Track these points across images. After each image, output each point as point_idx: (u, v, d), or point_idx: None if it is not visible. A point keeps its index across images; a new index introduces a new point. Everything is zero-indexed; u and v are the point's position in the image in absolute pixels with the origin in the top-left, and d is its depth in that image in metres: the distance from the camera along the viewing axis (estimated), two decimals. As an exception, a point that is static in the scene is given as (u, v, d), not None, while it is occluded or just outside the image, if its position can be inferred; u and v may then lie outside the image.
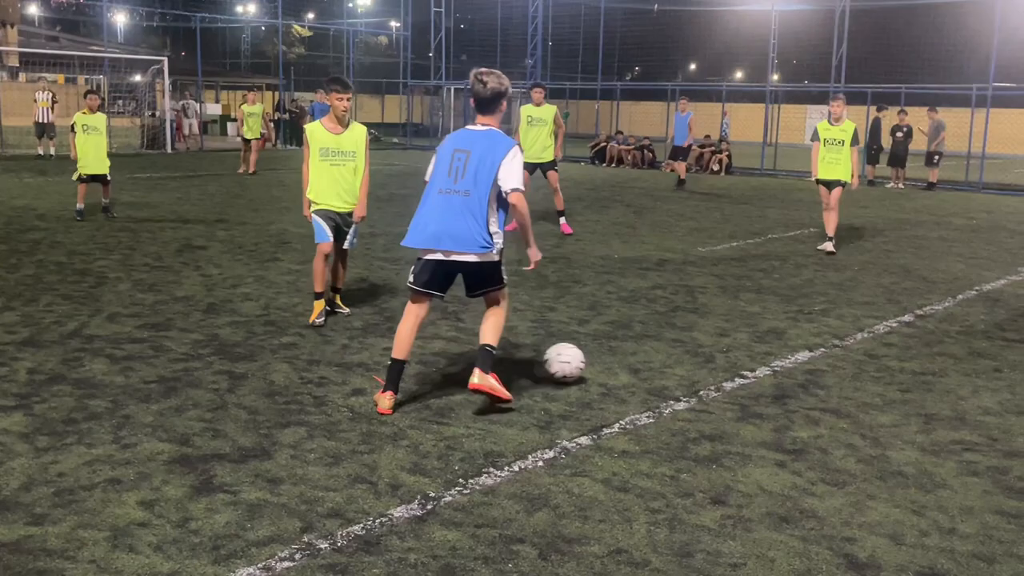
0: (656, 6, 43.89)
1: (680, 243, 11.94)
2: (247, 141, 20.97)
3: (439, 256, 5.11)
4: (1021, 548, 3.73)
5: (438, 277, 5.20)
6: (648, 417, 5.20)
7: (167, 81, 29.02)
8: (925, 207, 17.66)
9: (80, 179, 12.58)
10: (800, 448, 4.78)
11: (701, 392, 5.69)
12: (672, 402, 5.48)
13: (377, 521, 3.83)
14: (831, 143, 11.18)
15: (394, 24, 52.08)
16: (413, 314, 5.24)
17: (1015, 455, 4.74)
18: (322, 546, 3.60)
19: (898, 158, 22.26)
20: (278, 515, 3.85)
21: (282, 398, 5.35)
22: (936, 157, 22.18)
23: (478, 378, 5.08)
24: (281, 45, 39.26)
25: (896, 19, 41.07)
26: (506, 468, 4.40)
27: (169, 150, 27.49)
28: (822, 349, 6.78)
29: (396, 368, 5.20)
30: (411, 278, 5.25)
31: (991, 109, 22.85)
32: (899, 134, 22.21)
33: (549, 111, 12.18)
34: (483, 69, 5.17)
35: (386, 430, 4.86)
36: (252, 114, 21.01)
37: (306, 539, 3.66)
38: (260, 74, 50.06)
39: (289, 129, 32.70)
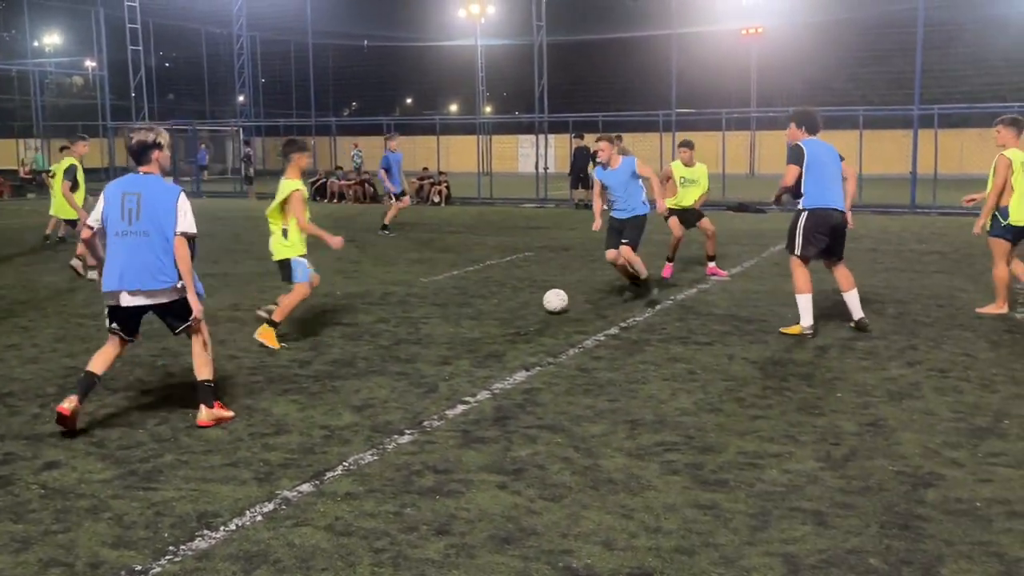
0: (366, 42, 44.30)
1: (403, 275, 12.03)
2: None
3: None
4: (717, 537, 4.04)
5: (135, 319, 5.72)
6: (372, 455, 5.14)
7: None
8: (628, 226, 18.97)
9: None
10: (519, 467, 4.92)
11: (425, 423, 5.72)
12: (396, 436, 5.46)
13: (73, 607, 3.47)
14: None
15: (90, 63, 48.71)
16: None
17: (709, 450, 5.16)
18: (7, 646, 3.21)
19: (601, 181, 23.84)
20: (-48, 618, 3.39)
21: (-41, 483, 4.75)
22: None
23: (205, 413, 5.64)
24: (-46, 87, 35.44)
25: (589, 53, 44.23)
26: (222, 528, 4.16)
27: None
28: (538, 368, 7.06)
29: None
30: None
31: (676, 132, 25.11)
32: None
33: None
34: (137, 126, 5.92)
35: (84, 504, 4.44)
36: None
37: (-13, 641, 3.25)
38: (-68, 120, 44.94)
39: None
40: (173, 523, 4.22)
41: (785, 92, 43.28)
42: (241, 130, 35.54)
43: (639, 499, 4.48)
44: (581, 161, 24.49)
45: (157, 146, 5.68)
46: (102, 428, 5.62)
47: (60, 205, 14.91)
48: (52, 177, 16.55)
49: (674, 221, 11.53)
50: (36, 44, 54.43)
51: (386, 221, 17.73)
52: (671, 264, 11.66)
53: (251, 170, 30.68)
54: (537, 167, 28.45)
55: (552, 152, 30.84)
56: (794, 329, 8.10)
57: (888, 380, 6.61)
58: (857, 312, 8.32)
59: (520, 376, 6.82)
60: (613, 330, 8.40)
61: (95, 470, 4.91)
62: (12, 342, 8.10)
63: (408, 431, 5.55)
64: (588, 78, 44.89)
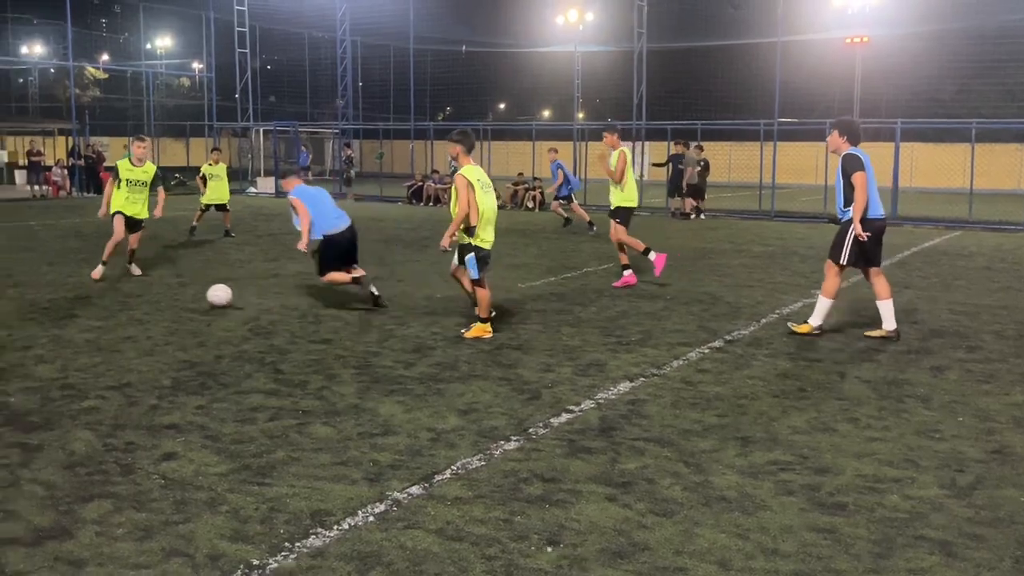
0: (464, 48, 44.69)
1: (501, 280, 12.03)
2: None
3: None
4: (838, 563, 3.90)
5: None
6: (479, 460, 5.13)
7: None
8: (726, 236, 18.67)
9: None
10: (628, 480, 4.85)
11: (530, 429, 5.69)
12: (502, 442, 5.45)
13: (196, 598, 3.55)
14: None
15: (197, 65, 50.43)
16: None
17: (825, 471, 5.00)
18: (134, 632, 3.30)
19: (698, 190, 23.50)
20: (82, 602, 3.50)
21: (84, 469, 4.92)
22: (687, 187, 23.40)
23: None
24: (73, 88, 37.10)
25: (691, 60, 43.68)
26: (335, 527, 4.21)
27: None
28: (642, 379, 6.96)
29: None
30: None
31: (778, 142, 24.60)
32: (697, 167, 23.47)
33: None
34: None
35: (202, 496, 4.55)
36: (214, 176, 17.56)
37: (115, 626, 3.34)
38: (51, 118, 47.12)
39: (86, 176, 30.85)
40: (287, 519, 4.28)
41: (890, 102, 42.03)
42: (342, 132, 36.32)
43: (754, 519, 4.35)
44: (676, 169, 24.17)
45: None
46: (216, 422, 5.76)
47: (220, 194, 17.53)
48: (203, 178, 17.47)
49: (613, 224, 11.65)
50: (148, 47, 56.64)
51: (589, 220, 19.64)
52: (659, 256, 11.76)
53: (352, 172, 31.28)
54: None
55: (648, 159, 30.56)
56: (804, 327, 8.45)
57: (1013, 406, 6.31)
58: (890, 322, 8.41)
59: (624, 386, 6.73)
60: (717, 343, 8.24)
61: (211, 463, 5.02)
62: (128, 334, 8.39)
63: (514, 437, 5.53)
64: (687, 85, 44.34)
